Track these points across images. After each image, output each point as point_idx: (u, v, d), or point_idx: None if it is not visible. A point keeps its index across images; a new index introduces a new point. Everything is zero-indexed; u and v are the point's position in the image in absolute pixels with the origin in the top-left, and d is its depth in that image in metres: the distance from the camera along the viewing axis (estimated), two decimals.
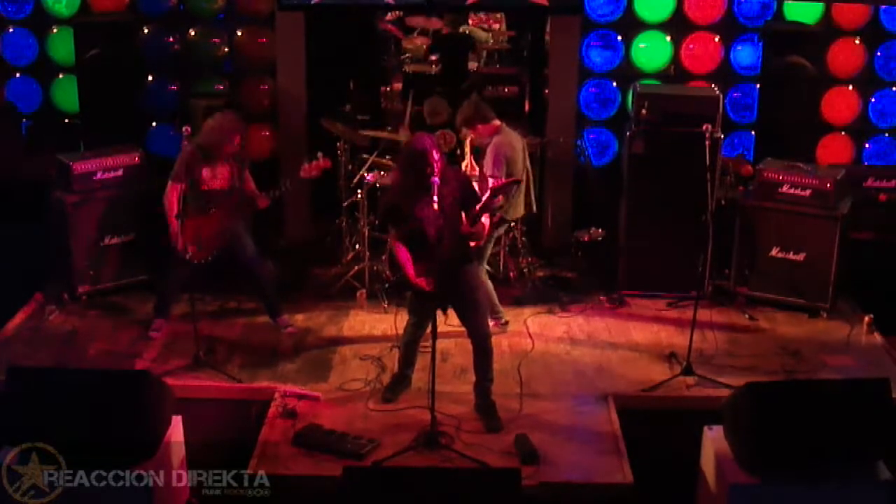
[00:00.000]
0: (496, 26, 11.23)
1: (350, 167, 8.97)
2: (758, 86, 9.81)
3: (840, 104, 10.01)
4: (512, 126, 9.29)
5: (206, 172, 7.49)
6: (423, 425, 6.59)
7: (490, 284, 7.90)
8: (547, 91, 9.62)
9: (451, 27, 10.88)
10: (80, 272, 8.36)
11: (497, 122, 7.79)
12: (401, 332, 7.19)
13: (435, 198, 6.38)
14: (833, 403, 5.87)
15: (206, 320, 7.92)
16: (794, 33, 9.57)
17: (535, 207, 8.31)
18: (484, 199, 6.59)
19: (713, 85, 9.09)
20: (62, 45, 9.96)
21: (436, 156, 6.44)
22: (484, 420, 6.81)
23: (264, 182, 7.84)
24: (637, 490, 6.18)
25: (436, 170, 6.41)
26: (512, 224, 8.74)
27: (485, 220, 6.64)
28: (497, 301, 7.98)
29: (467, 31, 11.00)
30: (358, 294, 8.45)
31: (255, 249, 7.85)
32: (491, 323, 7.73)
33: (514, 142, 7.83)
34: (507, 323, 8.03)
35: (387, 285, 8.27)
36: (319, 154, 7.69)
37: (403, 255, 6.63)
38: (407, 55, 10.76)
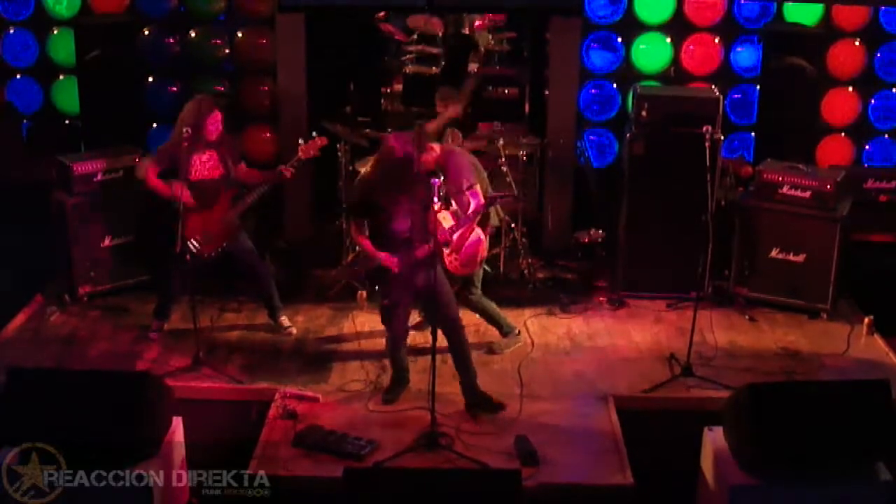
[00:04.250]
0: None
1: (350, 168, 8.97)
2: (758, 87, 9.82)
3: (840, 105, 10.02)
4: (512, 127, 9.33)
5: (194, 160, 7.48)
6: (423, 426, 6.60)
7: (493, 304, 7.81)
8: (547, 92, 9.62)
9: (454, 27, 10.89)
10: (80, 273, 8.36)
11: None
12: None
13: (436, 199, 6.47)
14: (833, 404, 5.87)
15: (207, 321, 7.92)
16: (794, 34, 9.58)
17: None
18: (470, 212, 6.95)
19: (713, 86, 9.09)
20: (63, 46, 9.97)
21: (412, 159, 6.61)
22: (482, 412, 6.87)
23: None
24: (637, 491, 6.18)
25: (413, 175, 6.61)
26: (512, 225, 8.76)
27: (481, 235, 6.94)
28: (502, 317, 7.86)
29: (470, 32, 11.01)
30: (358, 295, 8.45)
31: (254, 249, 7.86)
32: (506, 341, 7.71)
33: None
34: (519, 333, 7.89)
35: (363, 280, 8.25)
36: (314, 133, 7.71)
37: (368, 245, 6.81)
38: (408, 55, 10.77)
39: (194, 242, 7.47)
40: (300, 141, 7.68)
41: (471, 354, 7.01)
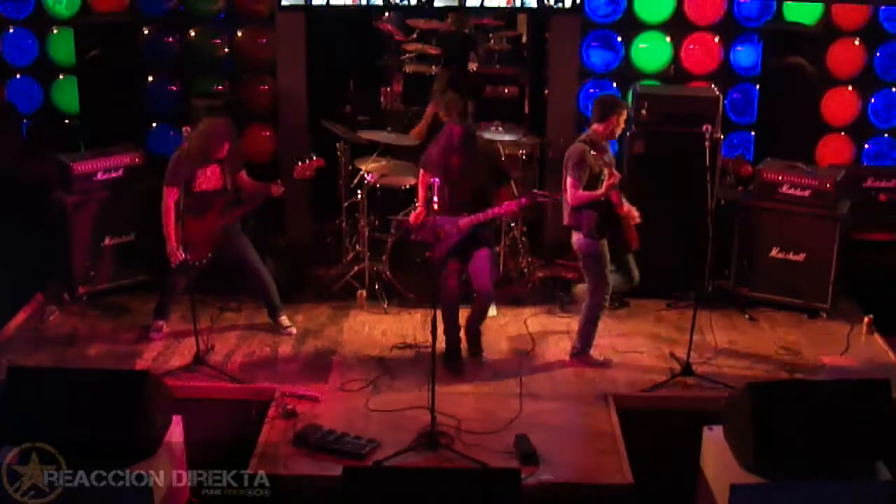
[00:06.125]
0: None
1: (350, 167, 8.97)
2: (757, 86, 9.81)
3: (840, 105, 10.01)
4: (511, 126, 9.31)
5: (199, 173, 7.53)
6: (422, 425, 6.60)
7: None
8: (547, 91, 9.61)
9: (456, 26, 10.87)
10: (80, 272, 8.37)
11: None
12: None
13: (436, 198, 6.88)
14: (833, 404, 5.87)
15: (206, 320, 7.92)
16: (793, 34, 9.56)
17: None
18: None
19: (713, 85, 9.09)
20: (62, 45, 9.96)
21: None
22: (468, 344, 7.56)
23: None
24: (637, 490, 6.19)
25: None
26: (512, 224, 8.78)
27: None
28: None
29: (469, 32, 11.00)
30: (358, 294, 8.46)
31: (253, 250, 7.86)
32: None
33: None
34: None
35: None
36: (312, 154, 7.74)
37: (422, 197, 7.59)
38: (407, 55, 10.76)
39: (185, 249, 7.46)
40: (298, 162, 7.69)
41: (487, 314, 7.71)
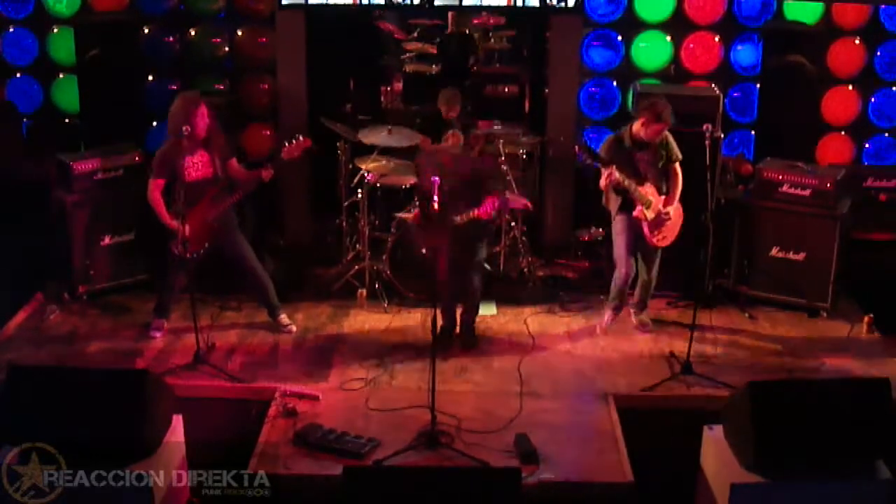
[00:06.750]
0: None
1: (350, 166, 8.96)
2: (758, 85, 9.81)
3: (840, 104, 10.02)
4: (512, 126, 9.30)
5: (186, 163, 7.49)
6: (423, 424, 6.60)
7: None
8: (547, 90, 9.61)
9: (454, 26, 10.85)
10: (80, 272, 8.37)
11: None
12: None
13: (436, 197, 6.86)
14: (833, 403, 5.87)
15: (207, 319, 7.92)
16: (794, 33, 9.58)
17: None
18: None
19: (713, 85, 9.09)
20: (63, 44, 9.97)
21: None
22: (462, 339, 7.72)
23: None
24: (637, 490, 6.19)
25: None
26: (512, 224, 8.77)
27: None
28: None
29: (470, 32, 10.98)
30: (358, 293, 8.46)
31: (251, 249, 7.85)
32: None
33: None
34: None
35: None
36: (298, 135, 7.71)
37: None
38: (407, 54, 10.74)
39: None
40: (285, 143, 7.68)
41: (479, 303, 7.85)
